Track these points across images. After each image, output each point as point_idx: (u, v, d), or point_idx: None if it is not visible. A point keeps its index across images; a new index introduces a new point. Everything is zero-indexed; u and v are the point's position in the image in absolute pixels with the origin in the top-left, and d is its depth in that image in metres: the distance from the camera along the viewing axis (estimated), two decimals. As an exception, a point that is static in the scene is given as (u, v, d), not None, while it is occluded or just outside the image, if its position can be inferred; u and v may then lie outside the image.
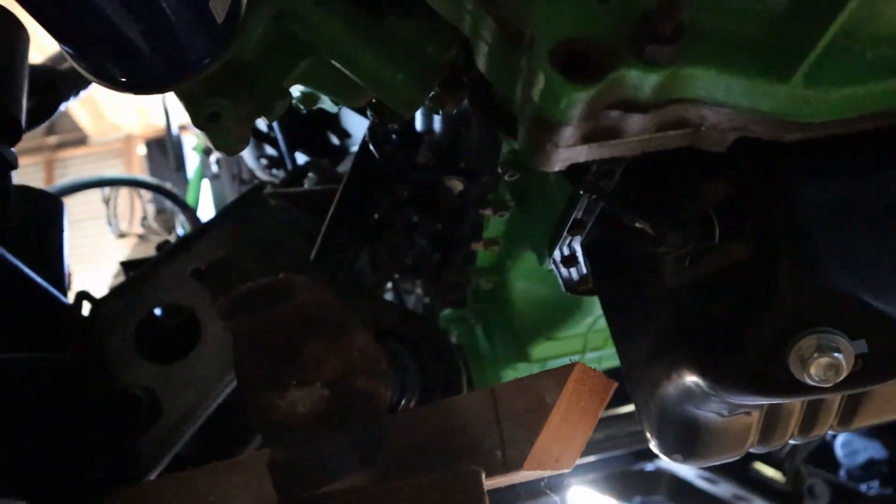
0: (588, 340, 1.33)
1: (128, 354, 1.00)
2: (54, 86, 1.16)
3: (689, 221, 0.58)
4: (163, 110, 2.81)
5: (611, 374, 1.44)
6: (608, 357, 1.44)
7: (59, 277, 0.96)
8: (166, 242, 1.35)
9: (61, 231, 1.01)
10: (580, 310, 1.20)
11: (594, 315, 1.21)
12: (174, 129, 2.74)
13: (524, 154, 0.53)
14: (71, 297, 1.01)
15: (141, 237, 2.94)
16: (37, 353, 0.80)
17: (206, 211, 2.29)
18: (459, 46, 0.71)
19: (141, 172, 6.38)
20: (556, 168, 0.52)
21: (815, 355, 0.54)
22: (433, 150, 1.11)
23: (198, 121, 0.71)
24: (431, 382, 0.90)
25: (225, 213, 1.13)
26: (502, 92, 0.57)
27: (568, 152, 0.49)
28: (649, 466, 2.06)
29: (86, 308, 1.01)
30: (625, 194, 0.61)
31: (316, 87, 0.81)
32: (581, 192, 0.65)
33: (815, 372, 0.54)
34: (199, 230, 1.11)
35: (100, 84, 0.67)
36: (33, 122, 1.11)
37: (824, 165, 0.57)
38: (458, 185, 1.03)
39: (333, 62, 0.74)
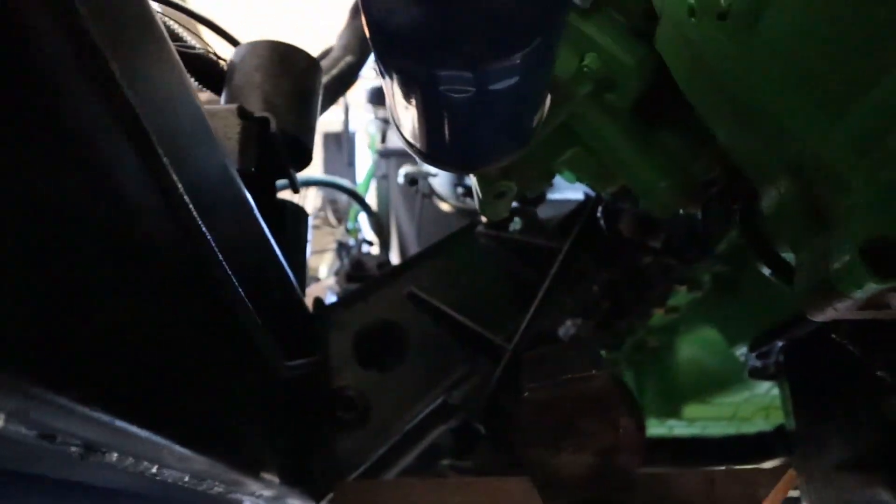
0: (739, 410, 1.42)
1: (346, 359, 1.15)
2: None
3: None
4: (343, 110, 2.98)
5: (746, 440, 1.50)
6: (748, 425, 1.51)
7: (303, 285, 1.11)
8: (386, 263, 1.51)
9: (307, 243, 1.16)
10: (742, 384, 1.29)
11: (752, 391, 1.30)
12: (350, 128, 2.92)
13: (798, 299, 0.62)
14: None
15: (315, 227, 3.16)
16: (298, 355, 0.94)
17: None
18: (723, 168, 0.80)
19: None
20: (822, 319, 0.61)
21: None
22: (636, 219, 1.21)
23: (487, 196, 0.83)
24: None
25: (439, 245, 1.26)
26: (781, 238, 0.67)
27: (839, 314, 0.59)
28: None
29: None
30: (865, 339, 0.71)
31: (574, 171, 0.92)
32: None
33: None
34: (417, 257, 1.25)
35: (404, 145, 0.78)
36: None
37: None
38: (661, 259, 1.13)
39: (602, 159, 0.85)
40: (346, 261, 1.97)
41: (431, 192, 1.95)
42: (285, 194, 1.16)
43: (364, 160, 3.01)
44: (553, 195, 1.62)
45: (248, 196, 0.78)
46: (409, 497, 0.89)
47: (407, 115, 0.72)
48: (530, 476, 0.67)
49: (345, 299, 1.20)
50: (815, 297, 0.59)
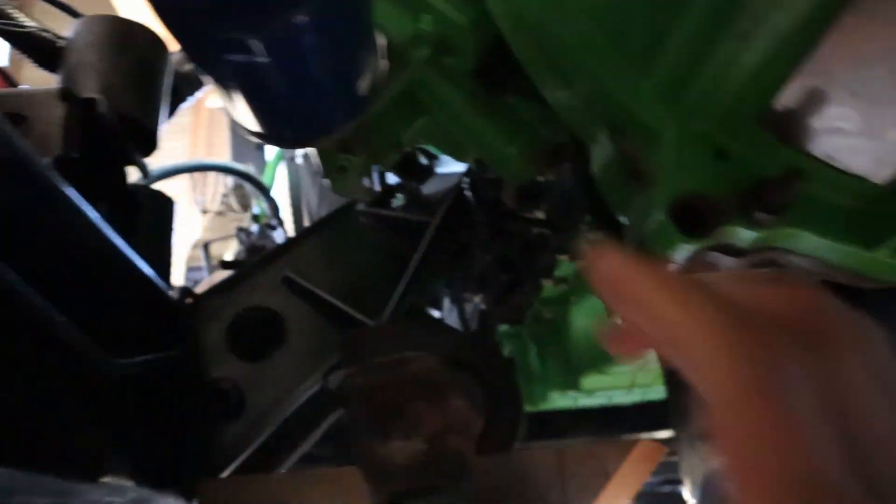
0: (637, 378, 1.40)
1: (219, 349, 1.09)
2: (176, 88, 1.24)
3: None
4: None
5: (654, 408, 1.50)
6: (652, 393, 1.50)
7: (167, 274, 1.05)
8: (253, 245, 1.44)
9: (171, 230, 1.10)
10: (636, 352, 1.27)
11: (645, 357, 1.28)
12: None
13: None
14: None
15: (219, 213, 3.07)
16: (155, 348, 0.89)
17: (281, 192, 2.39)
18: (572, 134, 0.77)
19: (209, 126, 6.50)
20: (654, 284, 0.58)
21: None
22: (517, 189, 1.17)
23: (328, 172, 0.79)
24: (494, 418, 0.97)
25: (318, 226, 1.21)
26: (610, 200, 0.64)
27: (669, 278, 0.56)
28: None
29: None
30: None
31: (427, 141, 0.88)
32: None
33: None
34: (293, 240, 1.19)
35: (238, 130, 0.75)
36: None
37: (890, 305, 0.63)
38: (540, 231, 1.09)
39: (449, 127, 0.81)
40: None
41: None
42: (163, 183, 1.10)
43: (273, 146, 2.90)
44: (443, 169, 1.58)
45: (60, 184, 0.71)
46: (270, 491, 0.85)
47: (227, 95, 0.68)
48: (359, 467, 0.63)
49: (218, 287, 1.14)
50: (638, 261, 0.56)
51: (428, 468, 0.63)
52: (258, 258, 1.16)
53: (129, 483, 0.83)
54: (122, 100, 0.89)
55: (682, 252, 0.51)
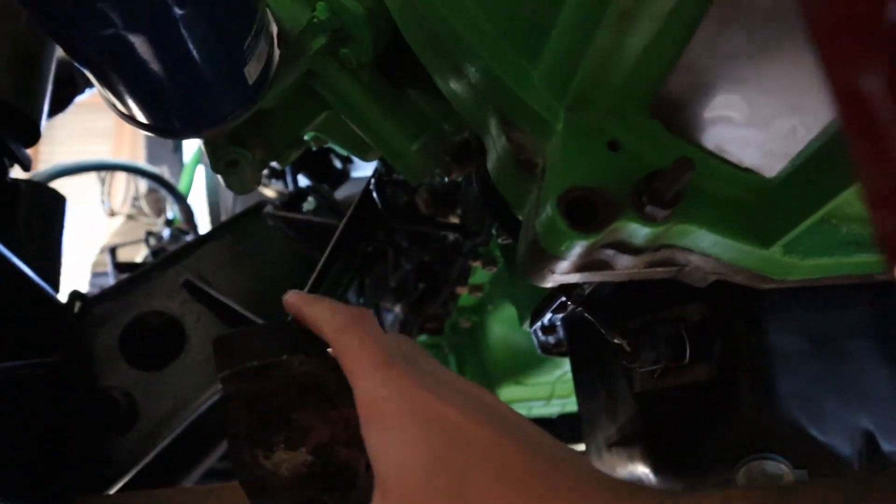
0: (555, 389, 1.38)
1: (111, 356, 1.03)
2: (72, 78, 1.18)
3: (663, 341, 0.62)
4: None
5: (573, 419, 1.49)
6: (571, 404, 1.49)
7: (55, 275, 0.99)
8: (161, 249, 1.37)
9: (62, 228, 1.03)
10: (551, 362, 1.25)
11: (563, 368, 1.26)
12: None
13: (519, 265, 0.57)
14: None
15: (130, 216, 2.95)
16: (28, 354, 0.82)
17: (198, 197, 2.31)
18: (473, 130, 0.75)
19: (131, 134, 6.31)
20: (548, 286, 0.56)
21: (761, 479, 0.59)
22: (432, 194, 1.15)
23: (217, 166, 0.74)
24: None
25: (223, 227, 1.16)
26: (508, 198, 0.61)
27: (561, 277, 0.53)
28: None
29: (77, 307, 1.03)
30: (608, 307, 0.66)
31: (330, 138, 0.84)
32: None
33: (759, 493, 0.59)
34: (196, 242, 1.14)
35: (124, 121, 0.70)
36: (49, 113, 1.13)
37: (792, 305, 0.62)
38: (451, 236, 1.06)
39: (350, 123, 0.77)
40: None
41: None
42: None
43: (191, 146, 2.83)
44: (359, 173, 1.55)
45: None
46: (153, 507, 0.80)
47: (108, 85, 0.64)
48: (240, 480, 0.58)
49: (111, 290, 1.08)
50: (530, 260, 0.53)
51: (314, 481, 0.59)
52: (157, 260, 1.11)
53: (-2, 500, 0.77)
54: (-4, 84, 0.83)
55: (575, 249, 0.49)
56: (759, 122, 0.45)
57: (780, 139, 0.45)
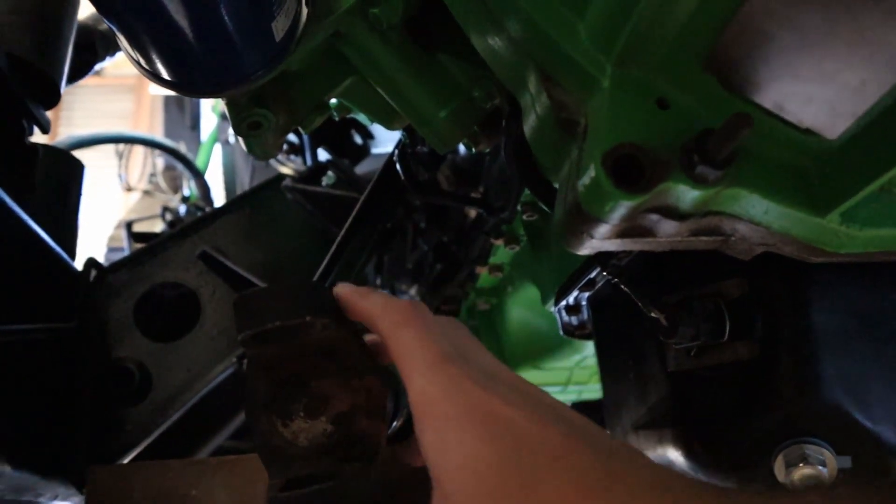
0: (573, 375, 1.36)
1: (126, 327, 1.01)
2: (93, 45, 1.15)
3: (703, 317, 0.59)
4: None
5: (589, 406, 1.47)
6: (588, 391, 1.46)
7: (71, 242, 0.97)
8: (175, 214, 1.35)
9: (79, 195, 1.01)
10: (570, 346, 1.22)
11: (582, 353, 1.23)
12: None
13: (556, 231, 0.54)
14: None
15: (147, 192, 2.93)
16: (43, 319, 0.80)
17: (214, 175, 2.29)
18: (505, 96, 0.72)
19: (150, 113, 6.31)
20: (585, 252, 0.53)
21: (801, 465, 0.57)
22: (454, 170, 1.12)
23: (239, 128, 0.72)
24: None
25: (241, 199, 1.14)
26: (544, 162, 0.59)
27: (600, 243, 0.50)
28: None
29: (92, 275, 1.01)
30: (642, 278, 0.63)
31: (355, 105, 0.82)
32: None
33: (797, 479, 0.57)
34: (213, 213, 1.12)
35: (148, 78, 0.68)
36: (68, 79, 1.11)
37: (840, 282, 0.59)
38: (472, 212, 1.04)
39: (378, 88, 0.75)
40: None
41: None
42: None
43: (209, 124, 2.81)
44: (379, 150, 1.52)
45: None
46: (165, 479, 0.78)
47: (134, 41, 0.62)
48: (257, 448, 0.56)
49: (127, 260, 1.06)
50: (568, 224, 0.51)
51: (333, 451, 0.56)
52: (173, 230, 1.09)
53: (5, 468, 0.75)
54: (16, 40, 0.81)
55: (619, 211, 0.46)
56: (824, 75, 0.42)
57: (846, 95, 0.42)
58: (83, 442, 0.90)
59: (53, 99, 0.88)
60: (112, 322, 1.01)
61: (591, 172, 0.45)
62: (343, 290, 0.53)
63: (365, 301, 0.52)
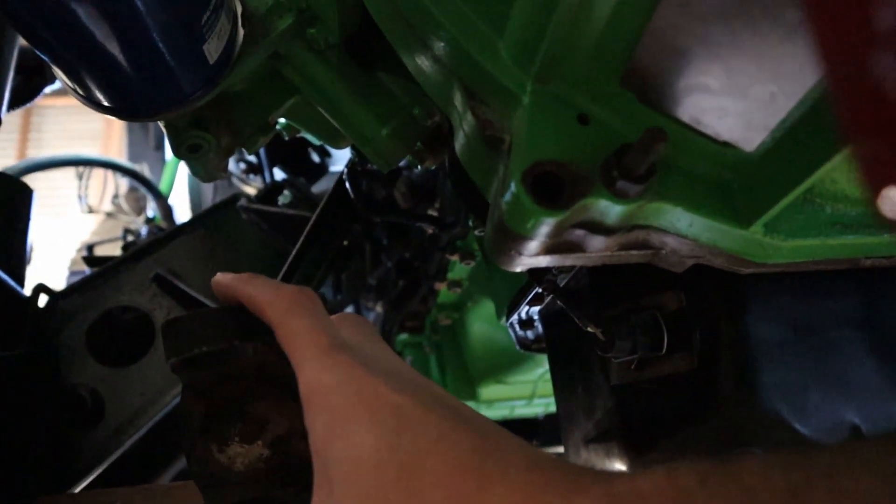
0: (537, 388, 1.35)
1: (78, 352, 1.00)
2: (41, 67, 1.14)
3: (640, 331, 0.59)
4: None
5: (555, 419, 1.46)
6: (553, 404, 1.46)
7: (18, 268, 0.95)
8: (136, 236, 1.33)
9: (27, 220, 1.00)
10: (532, 360, 1.22)
11: (545, 366, 1.23)
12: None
13: (488, 249, 0.54)
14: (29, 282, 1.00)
15: (109, 214, 2.90)
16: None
17: (180, 195, 2.27)
18: (444, 113, 0.72)
19: (120, 133, 6.26)
20: (518, 270, 0.53)
21: (742, 475, 0.57)
22: (409, 187, 1.12)
23: (179, 150, 0.71)
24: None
25: (196, 220, 1.13)
26: (476, 180, 0.58)
27: (530, 260, 0.50)
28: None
29: (42, 300, 1.00)
30: (581, 293, 0.63)
31: (300, 125, 0.82)
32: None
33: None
34: (168, 235, 1.11)
35: (84, 105, 0.67)
36: (16, 103, 1.10)
37: (775, 292, 0.59)
38: (429, 229, 1.04)
39: (319, 108, 0.74)
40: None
41: (230, 174, 1.80)
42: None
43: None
44: (336, 167, 1.52)
45: None
46: (112, 507, 0.77)
47: (66, 66, 0.62)
48: (193, 475, 0.55)
49: (79, 284, 1.05)
50: (497, 242, 0.51)
51: (271, 476, 0.56)
52: (126, 253, 1.07)
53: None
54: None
55: (542, 227, 0.46)
56: (736, 89, 0.42)
57: (759, 108, 0.43)
58: (34, 470, 0.89)
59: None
60: (64, 348, 0.99)
61: (513, 190, 0.45)
62: (224, 278, 0.52)
63: (249, 287, 0.50)
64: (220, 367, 0.54)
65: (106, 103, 0.66)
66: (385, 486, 0.36)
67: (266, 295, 0.49)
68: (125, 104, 0.67)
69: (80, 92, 0.65)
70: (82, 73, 0.62)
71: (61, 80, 0.65)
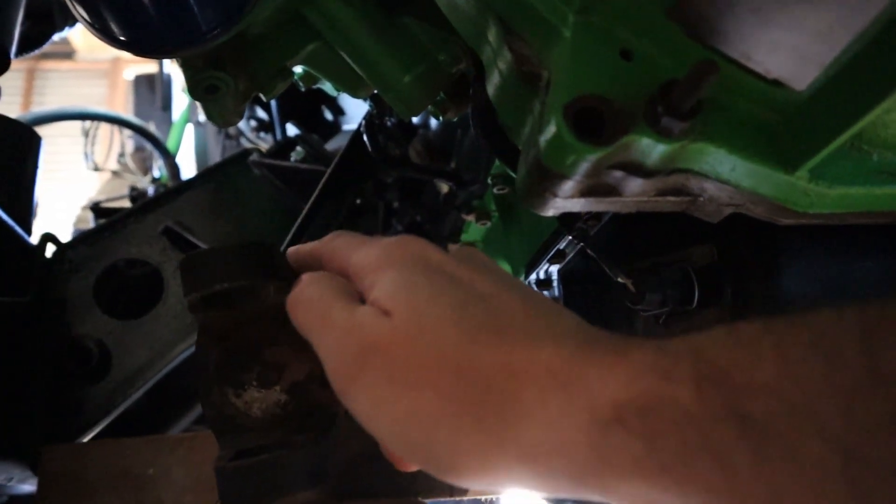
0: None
1: (85, 304, 0.98)
2: (50, 14, 1.12)
3: (671, 284, 0.57)
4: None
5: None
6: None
7: (26, 215, 0.94)
8: (142, 194, 1.31)
9: (35, 167, 0.98)
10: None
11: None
12: (165, 70, 2.68)
13: (519, 192, 0.52)
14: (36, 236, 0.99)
15: (115, 173, 2.87)
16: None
17: (186, 156, 2.25)
18: (471, 59, 0.70)
19: (125, 98, 6.22)
20: (550, 214, 0.51)
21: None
22: (425, 145, 1.10)
23: (195, 91, 0.69)
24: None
25: (207, 174, 1.11)
26: (508, 122, 0.57)
27: (564, 203, 0.49)
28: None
29: (50, 250, 0.98)
30: (611, 246, 0.61)
31: (319, 72, 0.79)
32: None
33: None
34: (177, 188, 1.09)
35: (99, 38, 0.65)
36: (23, 49, 1.08)
37: (808, 249, 0.57)
38: (444, 187, 1.02)
39: (341, 53, 0.72)
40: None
41: (239, 134, 1.77)
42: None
43: (180, 104, 2.75)
44: (351, 126, 1.49)
45: None
46: (120, 457, 0.76)
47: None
48: (208, 420, 0.54)
49: (87, 235, 1.03)
50: (531, 183, 0.49)
51: (288, 422, 0.54)
52: (135, 206, 1.06)
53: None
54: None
55: (582, 165, 0.44)
56: (792, 20, 0.40)
57: (814, 41, 0.41)
58: (39, 421, 0.87)
59: (4, 65, 0.85)
60: (71, 298, 0.98)
61: (553, 126, 0.43)
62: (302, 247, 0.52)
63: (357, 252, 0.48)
64: (239, 307, 0.52)
65: (122, 37, 0.63)
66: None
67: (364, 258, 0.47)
68: (142, 38, 0.65)
69: (96, 25, 0.63)
70: (98, 3, 0.60)
71: (73, 10, 0.63)
